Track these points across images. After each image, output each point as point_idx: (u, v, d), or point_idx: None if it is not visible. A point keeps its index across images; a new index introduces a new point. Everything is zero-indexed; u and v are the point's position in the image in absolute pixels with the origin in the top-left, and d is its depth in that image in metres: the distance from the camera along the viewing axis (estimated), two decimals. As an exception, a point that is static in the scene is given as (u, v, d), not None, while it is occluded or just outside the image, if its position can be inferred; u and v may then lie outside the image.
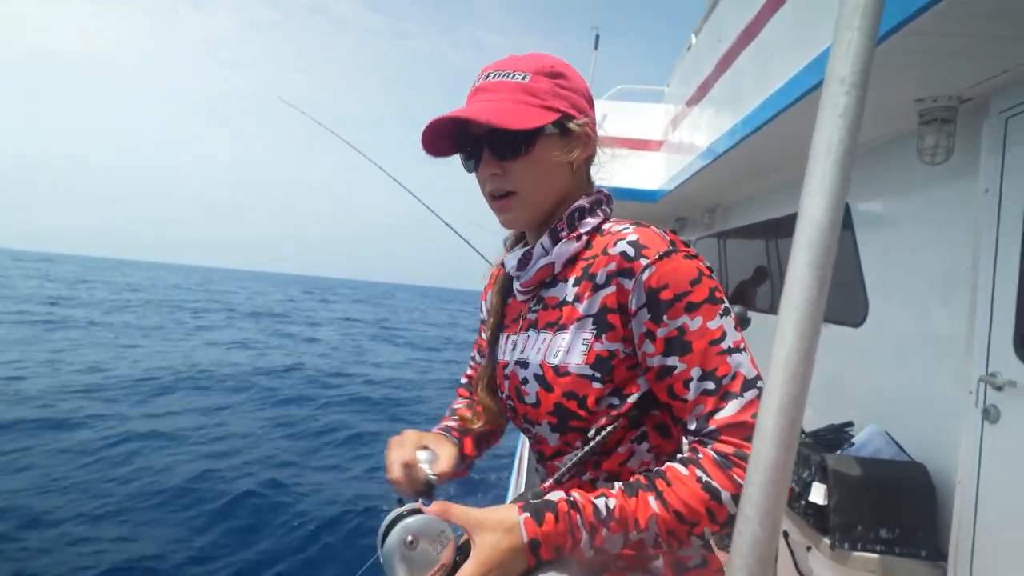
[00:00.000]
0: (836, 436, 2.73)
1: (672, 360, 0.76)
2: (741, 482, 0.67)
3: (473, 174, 0.91)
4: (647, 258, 0.77)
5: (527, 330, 0.91)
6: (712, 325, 0.75)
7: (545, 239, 0.88)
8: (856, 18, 0.46)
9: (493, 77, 0.86)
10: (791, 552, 2.75)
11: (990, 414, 2.03)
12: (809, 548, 2.46)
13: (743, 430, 0.72)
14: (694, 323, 0.75)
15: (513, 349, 0.93)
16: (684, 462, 0.73)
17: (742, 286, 5.17)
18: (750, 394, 0.73)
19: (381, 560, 0.71)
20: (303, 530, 5.41)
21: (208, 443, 7.58)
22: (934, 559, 2.19)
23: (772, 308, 4.38)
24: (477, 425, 1.02)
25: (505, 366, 0.95)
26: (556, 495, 0.73)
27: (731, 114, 3.60)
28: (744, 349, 0.76)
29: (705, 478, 0.71)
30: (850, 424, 2.80)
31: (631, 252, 0.78)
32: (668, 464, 0.75)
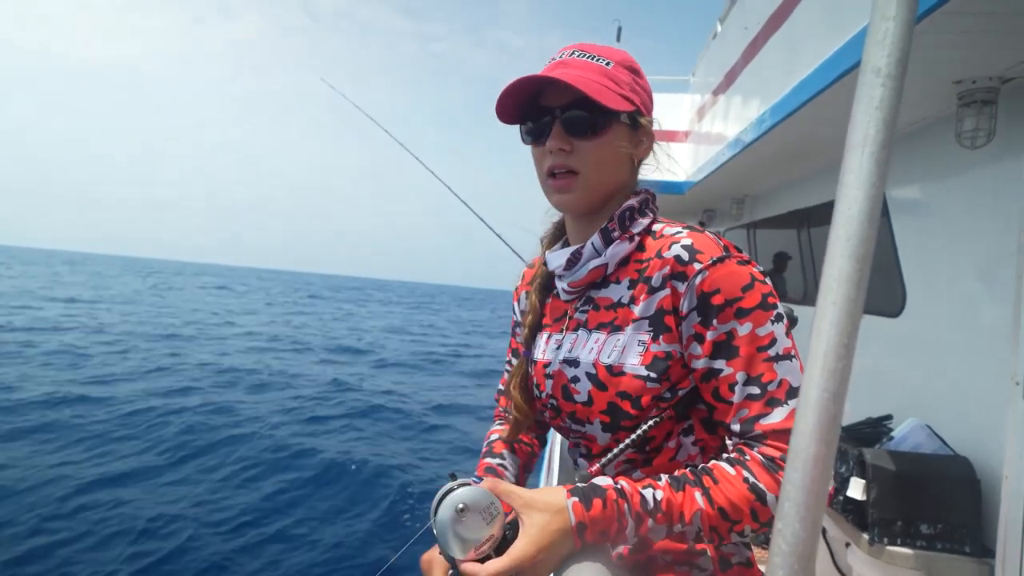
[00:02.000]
0: (874, 430, 2.66)
1: (719, 363, 0.76)
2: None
3: (530, 148, 0.90)
4: (700, 263, 0.78)
5: (575, 330, 0.91)
6: (761, 331, 0.75)
7: (596, 239, 0.87)
8: (892, 7, 0.45)
9: (578, 56, 0.86)
10: (829, 549, 2.70)
11: (1038, 405, 1.96)
12: (848, 544, 2.41)
13: (789, 436, 0.71)
14: (743, 328, 0.75)
15: (558, 348, 0.92)
16: (731, 462, 0.74)
17: (768, 276, 5.09)
18: (795, 401, 0.73)
19: (434, 529, 0.74)
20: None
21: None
22: (980, 555, 2.12)
23: (805, 299, 4.29)
24: (517, 435, 1.02)
25: (547, 365, 0.94)
26: (604, 480, 0.74)
27: (759, 103, 3.53)
28: (794, 357, 0.76)
29: (752, 479, 0.71)
30: (889, 417, 2.73)
31: (685, 256, 0.79)
32: (715, 462, 0.75)
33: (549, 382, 0.93)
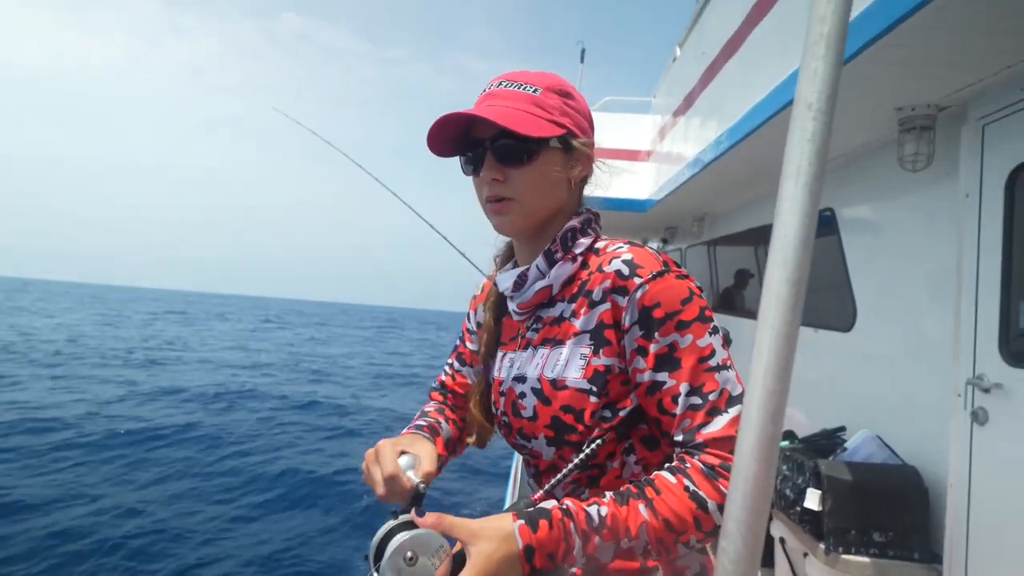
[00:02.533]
0: (829, 441, 2.75)
1: (662, 376, 0.78)
2: (727, 492, 0.70)
3: (471, 178, 0.92)
4: (641, 277, 0.80)
5: (525, 348, 0.92)
6: (701, 343, 0.77)
7: (540, 262, 0.89)
8: (821, 47, 0.48)
9: (505, 86, 0.88)
10: (788, 559, 2.75)
11: (978, 416, 2.06)
12: (806, 554, 2.47)
13: (729, 444, 0.74)
14: (684, 340, 0.77)
15: (511, 366, 0.94)
16: (672, 471, 0.75)
17: (727, 292, 5.23)
18: (735, 410, 0.75)
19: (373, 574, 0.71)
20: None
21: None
22: (928, 561, 2.20)
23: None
24: (471, 439, 1.03)
25: (501, 383, 0.95)
26: (550, 503, 0.74)
27: (716, 124, 3.65)
28: (731, 367, 0.79)
29: (692, 487, 0.73)
30: (842, 429, 2.82)
31: (626, 271, 0.81)
32: (657, 473, 0.76)
33: (503, 399, 0.94)
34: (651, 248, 0.85)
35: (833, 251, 3.19)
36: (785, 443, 3.01)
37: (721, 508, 0.71)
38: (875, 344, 2.86)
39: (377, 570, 0.70)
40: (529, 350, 0.91)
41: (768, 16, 2.95)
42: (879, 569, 2.19)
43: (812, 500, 2.33)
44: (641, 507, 0.73)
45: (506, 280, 0.93)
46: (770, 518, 2.85)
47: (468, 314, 1.12)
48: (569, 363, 0.84)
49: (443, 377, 1.13)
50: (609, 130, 6.59)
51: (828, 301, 3.35)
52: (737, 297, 5.09)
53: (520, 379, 0.90)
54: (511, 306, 0.96)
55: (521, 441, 0.92)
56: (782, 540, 2.71)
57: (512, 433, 0.93)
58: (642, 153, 6.49)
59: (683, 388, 0.77)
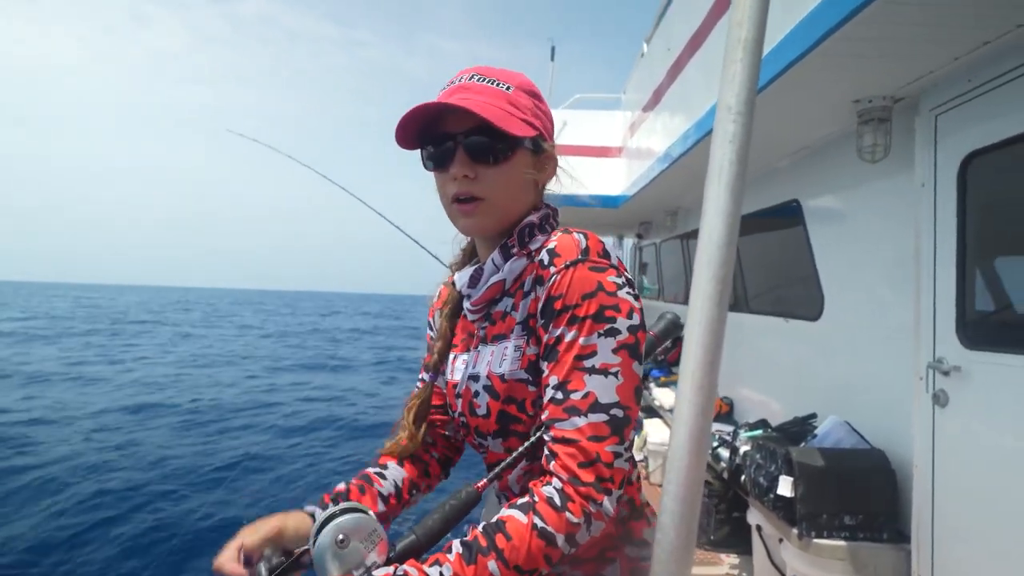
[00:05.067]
0: (800, 429, 2.81)
1: (543, 365, 0.79)
2: (575, 520, 0.71)
3: (432, 173, 0.88)
4: (555, 266, 0.79)
5: (478, 347, 0.92)
6: (584, 341, 0.76)
7: (496, 256, 0.88)
8: (739, 51, 0.49)
9: (478, 80, 0.85)
10: (765, 545, 2.80)
11: (940, 399, 2.12)
12: (781, 540, 2.52)
13: (578, 452, 0.73)
14: (570, 335, 0.76)
15: (464, 367, 0.94)
16: (523, 508, 0.73)
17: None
18: (596, 417, 0.74)
19: (311, 553, 0.73)
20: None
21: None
22: (897, 542, 2.26)
23: (734, 306, 4.48)
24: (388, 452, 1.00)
25: (455, 385, 0.95)
26: (383, 571, 0.70)
27: (684, 119, 3.70)
28: (614, 375, 0.75)
29: (541, 525, 0.71)
30: (813, 416, 2.88)
31: (546, 260, 0.81)
32: (508, 513, 0.73)
33: (459, 401, 0.94)
34: (578, 236, 0.82)
35: (800, 241, 3.26)
36: (759, 432, 3.07)
37: (569, 539, 0.71)
38: (842, 332, 2.93)
39: (313, 549, 0.73)
40: (481, 347, 0.91)
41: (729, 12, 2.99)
42: (850, 551, 2.24)
43: (785, 487, 2.38)
44: (491, 564, 0.69)
45: (463, 276, 0.93)
46: (746, 506, 2.90)
47: (428, 322, 1.11)
48: (510, 356, 0.84)
49: (416, 391, 1.11)
50: (581, 127, 6.63)
51: (797, 291, 3.41)
52: None
53: (474, 378, 0.90)
54: (466, 305, 0.95)
55: (479, 439, 0.93)
56: (758, 527, 2.76)
57: (471, 432, 0.94)
58: (613, 149, 6.54)
59: (552, 380, 0.77)
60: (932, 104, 2.21)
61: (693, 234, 5.45)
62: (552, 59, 7.59)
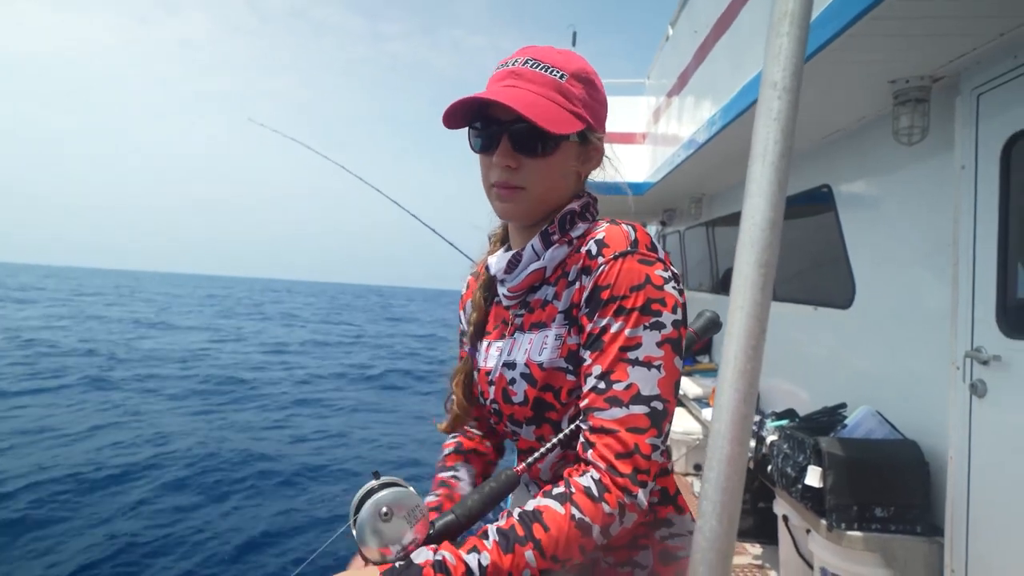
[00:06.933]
0: (830, 419, 2.75)
1: (586, 354, 0.78)
2: (611, 510, 0.70)
3: (477, 154, 0.89)
4: (604, 256, 0.79)
5: (513, 335, 0.91)
6: (630, 333, 0.75)
7: (536, 243, 0.88)
8: (785, 24, 0.47)
9: (532, 66, 0.84)
10: (792, 536, 2.77)
11: (977, 389, 2.05)
12: (808, 531, 2.48)
13: (616, 443, 0.72)
14: (616, 326, 0.76)
15: (499, 354, 0.93)
16: (560, 499, 0.73)
17: (727, 274, 5.22)
18: (637, 408, 0.73)
19: (353, 531, 0.72)
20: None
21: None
22: (930, 535, 2.21)
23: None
24: (441, 426, 1.03)
25: (488, 372, 0.94)
26: (423, 556, 0.70)
27: (710, 104, 3.62)
28: (657, 368, 0.75)
29: (579, 516, 0.71)
30: (843, 406, 2.83)
31: (594, 250, 0.80)
32: (544, 503, 0.73)
33: (492, 388, 0.94)
34: (627, 228, 0.81)
35: (831, 228, 3.18)
36: (785, 422, 3.02)
37: (604, 530, 0.71)
38: (874, 320, 2.86)
39: (355, 523, 0.72)
40: (518, 335, 0.90)
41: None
42: (881, 544, 2.20)
43: (813, 477, 2.35)
44: (528, 553, 0.69)
45: (499, 261, 0.92)
46: (772, 496, 2.86)
47: (459, 315, 1.11)
48: (551, 344, 0.84)
49: None
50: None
51: (827, 278, 3.34)
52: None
53: (510, 365, 0.89)
54: (501, 291, 0.95)
55: (512, 427, 0.92)
56: (785, 518, 2.73)
57: (503, 420, 0.93)
58: (637, 136, 6.45)
59: (595, 370, 0.76)
60: (974, 83, 2.13)
61: (719, 221, 5.37)
62: (573, 44, 7.50)
